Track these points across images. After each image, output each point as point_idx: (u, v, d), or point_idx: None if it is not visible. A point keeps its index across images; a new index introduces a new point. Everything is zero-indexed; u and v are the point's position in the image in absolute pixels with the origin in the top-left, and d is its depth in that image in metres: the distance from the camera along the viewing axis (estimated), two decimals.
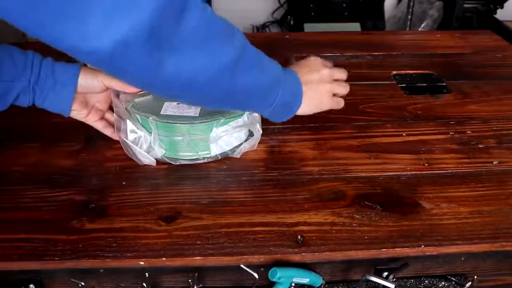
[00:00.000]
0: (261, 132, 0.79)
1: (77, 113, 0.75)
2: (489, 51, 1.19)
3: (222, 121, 0.74)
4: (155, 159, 0.76)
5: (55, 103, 0.72)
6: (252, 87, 0.67)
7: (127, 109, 0.75)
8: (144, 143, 0.74)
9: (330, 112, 0.90)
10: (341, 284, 0.68)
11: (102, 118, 0.79)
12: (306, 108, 0.78)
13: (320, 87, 0.79)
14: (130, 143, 0.75)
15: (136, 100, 0.77)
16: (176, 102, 0.76)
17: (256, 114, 0.78)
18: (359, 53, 1.16)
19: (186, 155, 0.76)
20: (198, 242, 0.64)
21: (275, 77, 0.71)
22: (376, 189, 0.73)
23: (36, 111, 0.76)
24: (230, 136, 0.76)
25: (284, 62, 0.78)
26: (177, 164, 0.76)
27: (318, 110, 0.80)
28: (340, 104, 0.83)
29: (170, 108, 0.76)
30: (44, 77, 0.70)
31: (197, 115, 0.74)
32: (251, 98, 0.70)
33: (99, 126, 0.79)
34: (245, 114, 0.77)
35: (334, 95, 0.82)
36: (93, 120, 0.78)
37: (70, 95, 0.72)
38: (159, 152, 0.75)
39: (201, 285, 0.65)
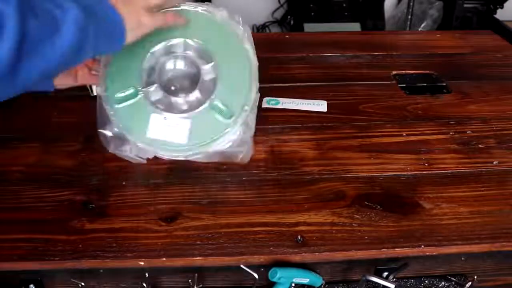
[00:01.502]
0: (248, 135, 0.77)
1: (64, 85, 0.74)
2: (489, 51, 1.19)
3: None
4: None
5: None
6: (50, 65, 0.55)
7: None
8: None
9: (330, 112, 0.90)
10: (341, 284, 0.68)
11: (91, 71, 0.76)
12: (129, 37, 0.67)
13: (130, 7, 0.67)
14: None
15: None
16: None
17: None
18: (359, 53, 1.16)
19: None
20: (198, 242, 0.63)
21: (76, 37, 0.56)
22: (376, 189, 0.73)
23: (36, 111, 0.76)
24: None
25: None
26: (177, 164, 0.76)
27: (140, 34, 0.68)
28: (163, 19, 0.72)
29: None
30: None
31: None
32: (56, 70, 0.59)
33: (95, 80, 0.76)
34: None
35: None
36: (85, 81, 0.76)
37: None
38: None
39: (201, 285, 0.65)
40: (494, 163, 0.79)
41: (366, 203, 0.70)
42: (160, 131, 0.73)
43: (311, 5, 2.19)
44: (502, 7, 2.08)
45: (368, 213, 0.68)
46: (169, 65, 0.76)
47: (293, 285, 0.63)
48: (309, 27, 2.15)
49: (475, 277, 0.69)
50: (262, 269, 0.63)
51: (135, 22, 0.66)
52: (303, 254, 0.63)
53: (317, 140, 0.84)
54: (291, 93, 0.97)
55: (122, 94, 0.74)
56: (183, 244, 0.63)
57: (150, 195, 0.71)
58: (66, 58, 0.56)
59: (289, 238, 0.64)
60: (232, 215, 0.68)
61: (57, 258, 0.61)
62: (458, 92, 1.00)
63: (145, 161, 0.76)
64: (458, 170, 0.77)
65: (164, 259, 0.62)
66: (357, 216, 0.68)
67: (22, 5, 0.49)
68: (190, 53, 0.76)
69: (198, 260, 0.62)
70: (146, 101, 0.74)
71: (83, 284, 0.64)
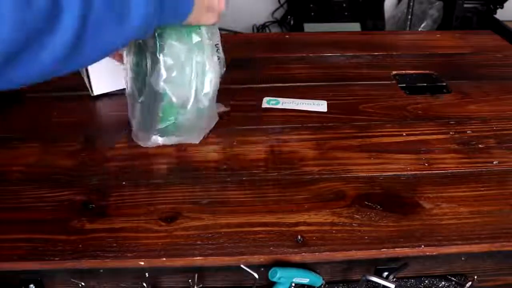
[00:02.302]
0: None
1: None
2: (489, 51, 1.19)
3: None
4: None
5: None
6: (113, 45, 0.55)
7: None
8: None
9: (330, 112, 0.90)
10: (341, 284, 0.68)
11: None
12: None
13: None
14: None
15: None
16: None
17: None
18: (359, 53, 1.16)
19: None
20: (198, 242, 0.64)
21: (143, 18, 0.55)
22: (376, 189, 0.73)
23: (36, 111, 0.76)
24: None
25: None
26: (177, 164, 0.76)
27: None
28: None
29: None
30: None
31: None
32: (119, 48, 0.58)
33: None
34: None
35: None
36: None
37: None
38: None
39: (201, 285, 0.65)
40: (494, 163, 0.79)
41: (366, 203, 0.70)
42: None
43: (311, 5, 2.20)
44: (502, 7, 2.08)
45: (368, 213, 0.68)
46: None
47: (293, 285, 0.63)
48: (309, 27, 2.15)
49: (475, 277, 0.69)
50: (262, 269, 0.63)
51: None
52: (303, 254, 0.63)
53: (317, 140, 0.84)
54: (291, 93, 0.97)
55: None
56: (183, 244, 0.63)
57: (150, 195, 0.71)
58: (133, 37, 0.56)
59: (289, 238, 0.64)
60: (232, 215, 0.68)
61: (57, 258, 0.61)
62: (458, 92, 1.00)
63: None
64: (458, 170, 0.77)
65: (164, 259, 0.62)
66: (357, 216, 0.68)
67: None
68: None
69: (198, 260, 0.62)
70: None
71: (83, 284, 0.64)
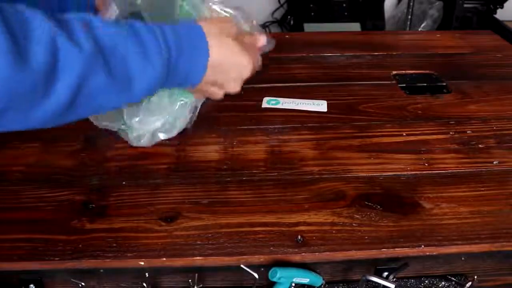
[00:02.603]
0: None
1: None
2: (489, 51, 1.19)
3: None
4: None
5: None
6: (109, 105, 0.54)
7: None
8: None
9: (330, 112, 0.90)
10: (341, 284, 0.68)
11: None
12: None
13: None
14: None
15: None
16: None
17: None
18: (359, 53, 1.16)
19: None
20: (198, 242, 0.63)
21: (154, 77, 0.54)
22: (376, 189, 0.73)
23: None
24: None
25: None
26: (177, 164, 0.76)
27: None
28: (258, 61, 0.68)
29: None
30: None
31: None
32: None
33: None
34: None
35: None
36: None
37: None
38: None
39: (201, 285, 0.65)
40: (494, 163, 0.79)
41: (366, 203, 0.70)
42: None
43: (311, 5, 2.19)
44: (502, 7, 2.08)
45: (368, 213, 0.68)
46: None
47: (293, 285, 0.63)
48: (309, 27, 2.15)
49: (475, 277, 0.69)
50: (262, 269, 0.63)
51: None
52: (303, 254, 0.63)
53: (317, 140, 0.84)
54: (291, 93, 0.97)
55: None
56: (183, 244, 0.63)
57: (150, 195, 0.71)
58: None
59: (289, 238, 0.64)
60: (232, 215, 0.68)
61: (57, 258, 0.61)
62: (458, 92, 1.00)
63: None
64: (458, 170, 0.77)
65: (164, 259, 0.62)
66: (357, 216, 0.68)
67: (94, 56, 0.47)
68: None
69: (198, 260, 0.62)
70: None
71: (83, 284, 0.64)
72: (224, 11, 0.70)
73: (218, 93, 0.66)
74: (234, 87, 0.65)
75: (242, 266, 0.62)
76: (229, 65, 0.61)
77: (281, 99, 0.95)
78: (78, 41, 0.46)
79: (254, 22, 0.72)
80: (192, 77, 0.59)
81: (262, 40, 0.68)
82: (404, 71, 1.08)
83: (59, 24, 0.45)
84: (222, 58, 0.59)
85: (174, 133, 0.79)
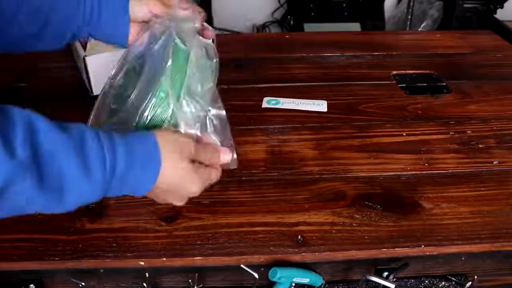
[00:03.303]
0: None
1: (134, 39, 0.71)
2: (489, 51, 1.19)
3: None
4: None
5: (112, 35, 0.70)
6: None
7: None
8: None
9: (330, 112, 0.90)
10: (341, 284, 0.68)
11: None
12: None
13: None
14: None
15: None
16: None
17: None
18: (359, 53, 1.16)
19: None
20: (198, 242, 0.63)
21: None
22: (376, 189, 0.73)
23: (37, 111, 0.75)
24: None
25: None
26: None
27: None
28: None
29: None
30: (96, 10, 0.68)
31: None
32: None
33: None
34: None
35: None
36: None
37: (126, 24, 0.69)
38: None
39: (201, 285, 0.65)
40: (494, 163, 0.79)
41: (366, 203, 0.70)
42: None
43: (311, 5, 2.19)
44: (502, 7, 2.08)
45: (368, 213, 0.68)
46: None
47: (293, 285, 0.63)
48: (309, 27, 2.15)
49: (475, 277, 0.69)
50: (262, 269, 0.63)
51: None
52: (303, 254, 0.63)
53: (317, 140, 0.84)
54: (291, 93, 0.97)
55: None
56: (183, 244, 0.63)
57: None
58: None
59: (289, 238, 0.64)
60: (232, 215, 0.68)
61: (57, 258, 0.61)
62: (458, 92, 1.00)
63: None
64: (458, 170, 0.77)
65: (164, 259, 0.62)
66: (357, 216, 0.68)
67: (25, 163, 0.44)
68: None
69: (198, 260, 0.62)
70: None
71: (83, 284, 0.64)
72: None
73: (162, 201, 0.61)
74: (178, 203, 0.60)
75: (242, 266, 0.62)
76: (176, 188, 0.57)
77: (281, 99, 0.95)
78: (12, 145, 0.44)
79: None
80: (137, 191, 0.55)
81: (224, 158, 0.64)
82: (404, 71, 1.08)
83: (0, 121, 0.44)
84: (170, 181, 0.56)
85: None
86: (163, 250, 0.62)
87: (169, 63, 0.62)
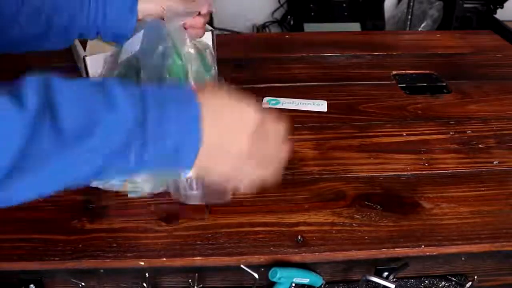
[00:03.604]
0: None
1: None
2: (489, 51, 1.19)
3: None
4: None
5: (120, 35, 0.70)
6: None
7: None
8: None
9: (330, 112, 0.90)
10: (341, 284, 0.68)
11: None
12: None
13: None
14: None
15: None
16: None
17: None
18: (359, 53, 1.16)
19: None
20: (198, 242, 0.63)
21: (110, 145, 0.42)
22: (376, 189, 0.73)
23: None
24: None
25: None
26: None
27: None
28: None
29: None
30: (101, 12, 0.68)
31: None
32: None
33: None
34: None
35: None
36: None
37: (133, 25, 0.69)
38: None
39: (201, 285, 0.65)
40: (494, 163, 0.79)
41: (366, 203, 0.70)
42: None
43: (311, 5, 2.19)
44: (502, 7, 2.08)
45: (368, 213, 0.68)
46: None
47: (293, 285, 0.63)
48: (309, 27, 2.15)
49: (475, 277, 0.69)
50: (262, 269, 0.63)
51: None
52: (303, 254, 0.63)
53: (317, 140, 0.84)
54: (291, 93, 0.97)
55: None
56: (183, 244, 0.63)
57: (150, 195, 0.71)
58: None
59: (289, 238, 0.64)
60: (232, 215, 0.68)
61: (57, 258, 0.61)
62: (458, 92, 1.00)
63: None
64: (458, 170, 0.77)
65: (164, 259, 0.62)
66: (357, 216, 0.68)
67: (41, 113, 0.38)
68: None
69: (198, 260, 0.62)
70: None
71: (83, 284, 0.64)
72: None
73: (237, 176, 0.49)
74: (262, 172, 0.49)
75: (242, 266, 0.62)
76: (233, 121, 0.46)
77: (281, 99, 0.95)
78: (22, 99, 0.38)
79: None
80: (182, 147, 0.44)
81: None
82: (404, 71, 1.08)
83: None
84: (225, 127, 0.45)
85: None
86: (163, 250, 0.62)
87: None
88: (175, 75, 0.63)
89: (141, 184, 0.66)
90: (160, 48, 0.65)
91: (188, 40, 0.66)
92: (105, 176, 0.44)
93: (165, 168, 0.47)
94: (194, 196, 0.64)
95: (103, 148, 0.41)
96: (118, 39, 0.71)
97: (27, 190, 0.42)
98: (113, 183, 0.67)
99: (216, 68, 0.68)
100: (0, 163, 0.38)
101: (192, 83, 0.62)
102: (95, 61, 0.91)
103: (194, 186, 0.63)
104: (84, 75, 0.94)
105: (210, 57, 0.68)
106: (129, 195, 0.68)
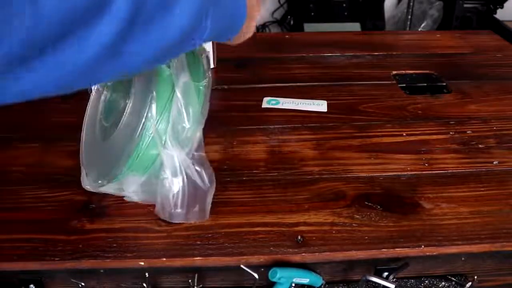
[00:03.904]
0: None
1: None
2: (489, 51, 1.19)
3: None
4: None
5: None
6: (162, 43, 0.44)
7: None
8: None
9: (330, 112, 0.90)
10: (341, 284, 0.68)
11: None
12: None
13: None
14: None
15: None
16: None
17: None
18: (359, 53, 1.16)
19: None
20: (198, 242, 0.63)
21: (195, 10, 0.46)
22: (376, 189, 0.73)
23: (36, 111, 0.76)
24: None
25: None
26: None
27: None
28: None
29: None
30: None
31: None
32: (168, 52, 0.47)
33: None
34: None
35: None
36: None
37: None
38: None
39: (201, 285, 0.65)
40: (494, 163, 0.79)
41: (366, 203, 0.70)
42: None
43: (311, 5, 2.19)
44: (502, 7, 2.08)
45: (368, 213, 0.68)
46: None
47: (293, 285, 0.63)
48: (309, 27, 2.15)
49: (475, 277, 0.69)
50: (262, 269, 0.63)
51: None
52: (303, 254, 0.63)
53: (317, 140, 0.84)
54: (291, 93, 0.97)
55: None
56: (183, 244, 0.63)
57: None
58: (176, 43, 0.45)
59: (289, 238, 0.64)
60: (232, 215, 0.68)
61: (57, 258, 0.61)
62: (458, 92, 1.00)
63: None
64: (458, 170, 0.77)
65: (164, 259, 0.62)
66: (357, 216, 0.68)
67: None
68: None
69: (198, 260, 0.62)
70: None
71: (83, 284, 0.64)
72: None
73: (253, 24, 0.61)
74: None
75: (242, 266, 0.62)
76: None
77: (281, 99, 0.95)
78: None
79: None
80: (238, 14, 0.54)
81: None
82: (404, 71, 1.08)
83: None
84: None
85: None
86: (163, 250, 0.62)
87: (153, 104, 0.59)
88: (163, 98, 0.60)
89: (131, 195, 0.67)
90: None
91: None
92: (180, 48, 0.49)
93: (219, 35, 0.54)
94: (178, 215, 0.64)
95: (189, 10, 0.44)
96: None
97: (137, 54, 0.42)
98: (109, 191, 0.68)
99: (210, 75, 0.66)
100: (122, 13, 0.37)
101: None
102: None
103: (179, 204, 0.63)
104: None
105: (205, 64, 0.65)
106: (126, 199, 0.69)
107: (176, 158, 0.61)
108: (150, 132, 0.60)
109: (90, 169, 0.68)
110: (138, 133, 0.60)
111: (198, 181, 0.64)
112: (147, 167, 0.63)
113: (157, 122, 0.60)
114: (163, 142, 0.60)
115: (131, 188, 0.65)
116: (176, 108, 0.61)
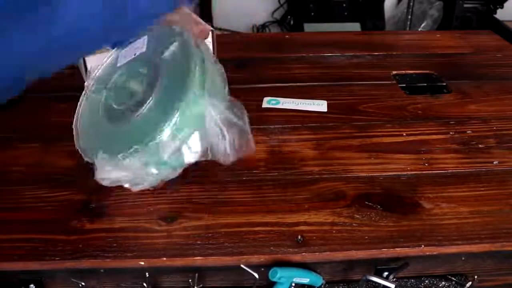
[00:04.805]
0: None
1: None
2: (489, 51, 1.19)
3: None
4: None
5: None
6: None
7: None
8: None
9: (330, 112, 0.90)
10: (341, 284, 0.68)
11: None
12: None
13: None
14: None
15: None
16: None
17: None
18: (359, 53, 1.16)
19: None
20: (198, 242, 0.64)
21: None
22: (376, 189, 0.73)
23: (36, 111, 0.76)
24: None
25: None
26: None
27: None
28: None
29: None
30: None
31: None
32: None
33: None
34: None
35: None
36: None
37: None
38: None
39: (201, 285, 0.65)
40: (494, 163, 0.79)
41: (366, 203, 0.70)
42: None
43: (311, 5, 2.20)
44: (502, 7, 2.08)
45: (368, 213, 0.68)
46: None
47: (293, 285, 0.63)
48: (309, 27, 2.15)
49: (475, 277, 0.69)
50: (262, 269, 0.63)
51: None
52: (303, 254, 0.63)
53: (317, 140, 0.84)
54: (291, 93, 0.97)
55: None
56: (183, 244, 0.63)
57: (150, 195, 0.71)
58: None
59: (289, 238, 0.64)
60: (232, 215, 0.68)
61: (57, 258, 0.61)
62: (458, 92, 1.00)
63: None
64: (458, 170, 0.77)
65: (164, 259, 0.62)
66: (357, 216, 0.68)
67: None
68: None
69: (198, 260, 0.62)
70: None
71: (83, 284, 0.64)
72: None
73: None
74: None
75: (242, 266, 0.62)
76: None
77: (281, 99, 0.95)
78: None
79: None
80: None
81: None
82: (404, 71, 1.08)
83: None
84: None
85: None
86: (163, 250, 0.62)
87: (195, 65, 0.64)
88: (199, 63, 0.65)
89: (155, 169, 0.66)
90: (175, 44, 0.68)
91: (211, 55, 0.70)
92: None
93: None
94: (231, 155, 0.65)
95: None
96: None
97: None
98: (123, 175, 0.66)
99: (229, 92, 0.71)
100: None
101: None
102: (95, 61, 0.91)
103: (229, 147, 0.65)
104: (84, 75, 0.94)
105: (221, 82, 0.71)
106: (135, 188, 0.67)
107: (218, 109, 0.65)
108: (195, 90, 0.63)
109: (97, 151, 0.67)
110: (182, 92, 0.63)
111: (236, 120, 0.66)
112: (195, 122, 0.64)
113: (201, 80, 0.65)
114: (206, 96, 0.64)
115: (166, 152, 0.64)
116: (209, 70, 0.67)
